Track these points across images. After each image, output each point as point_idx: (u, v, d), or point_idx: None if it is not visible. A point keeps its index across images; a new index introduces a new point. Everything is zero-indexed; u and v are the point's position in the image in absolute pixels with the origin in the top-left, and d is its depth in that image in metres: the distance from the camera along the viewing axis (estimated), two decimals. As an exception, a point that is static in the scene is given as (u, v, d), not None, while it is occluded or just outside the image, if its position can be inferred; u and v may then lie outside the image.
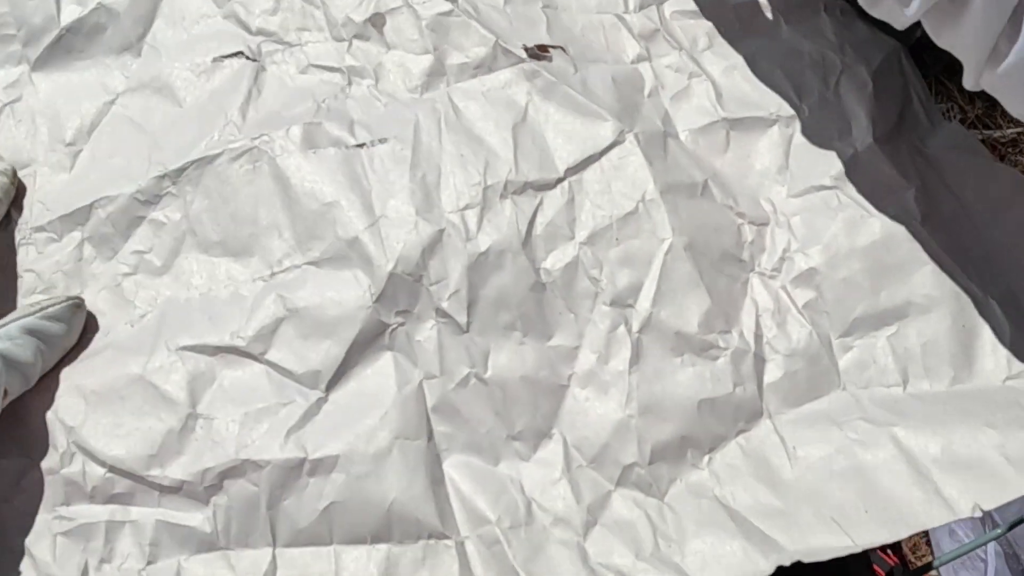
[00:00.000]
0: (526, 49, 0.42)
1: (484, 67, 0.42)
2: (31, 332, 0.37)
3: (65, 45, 0.45)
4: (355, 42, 0.43)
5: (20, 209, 0.42)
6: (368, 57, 0.43)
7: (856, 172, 0.41)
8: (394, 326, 0.37)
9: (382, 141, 0.40)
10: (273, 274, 0.39)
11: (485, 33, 0.42)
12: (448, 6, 0.43)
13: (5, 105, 0.45)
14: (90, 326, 0.40)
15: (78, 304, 0.39)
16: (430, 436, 0.36)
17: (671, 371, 0.37)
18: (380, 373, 0.37)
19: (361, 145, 0.40)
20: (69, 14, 0.45)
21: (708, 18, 0.45)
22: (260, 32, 0.44)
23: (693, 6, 0.46)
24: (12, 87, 0.45)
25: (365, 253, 0.38)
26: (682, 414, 0.36)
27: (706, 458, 0.36)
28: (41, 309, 0.38)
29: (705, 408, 0.36)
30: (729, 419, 0.36)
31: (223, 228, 0.40)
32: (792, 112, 0.43)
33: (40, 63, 0.45)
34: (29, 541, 0.37)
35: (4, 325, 0.37)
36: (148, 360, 0.38)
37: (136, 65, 0.45)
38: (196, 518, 0.36)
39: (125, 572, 0.36)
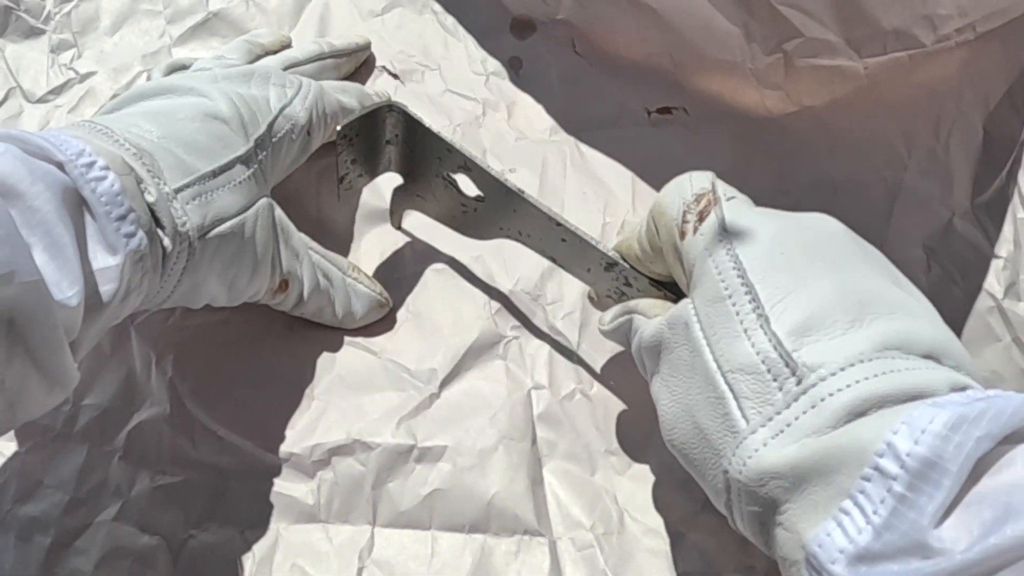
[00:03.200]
0: (648, 111, 0.47)
1: (609, 122, 0.46)
2: (327, 276, 0.39)
3: (210, 28, 0.49)
4: (492, 78, 0.47)
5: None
6: (503, 94, 0.47)
7: (949, 238, 0.43)
8: (509, 338, 0.40)
9: (512, 171, 0.44)
10: (396, 277, 0.42)
11: (613, 91, 0.46)
12: (581, 62, 0.47)
13: (141, 73, 0.48)
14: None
15: (384, 303, 0.41)
16: (534, 440, 0.39)
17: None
18: (492, 379, 0.40)
19: (493, 172, 0.44)
20: (218, 1, 0.49)
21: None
22: (402, 52, 0.48)
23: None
24: (151, 56, 0.48)
25: (488, 269, 0.41)
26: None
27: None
28: (356, 278, 0.41)
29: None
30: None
31: (353, 225, 0.43)
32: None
33: (182, 40, 0.49)
34: (128, 491, 0.39)
35: (323, 255, 0.40)
36: (267, 333, 0.41)
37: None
38: (300, 489, 0.38)
39: (223, 532, 0.38)
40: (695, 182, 0.31)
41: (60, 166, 0.28)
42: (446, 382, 0.40)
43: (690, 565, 0.36)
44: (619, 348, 0.40)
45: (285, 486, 0.38)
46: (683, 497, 0.38)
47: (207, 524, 0.38)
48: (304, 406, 0.40)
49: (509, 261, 0.42)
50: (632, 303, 0.33)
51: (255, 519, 0.38)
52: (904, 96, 0.44)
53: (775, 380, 0.25)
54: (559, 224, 0.35)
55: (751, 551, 0.37)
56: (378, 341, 0.41)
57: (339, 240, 0.43)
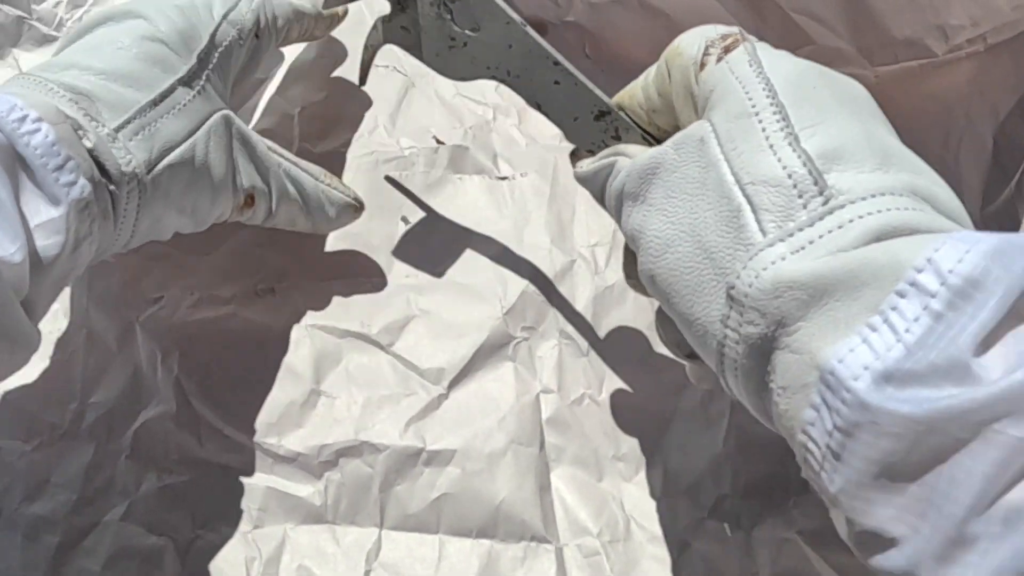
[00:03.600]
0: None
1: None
2: (297, 183, 0.39)
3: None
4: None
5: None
6: (514, 98, 0.47)
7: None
8: (519, 339, 0.40)
9: (523, 175, 0.44)
10: (407, 276, 0.42)
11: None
12: (592, 65, 0.47)
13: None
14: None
15: (357, 207, 0.41)
16: (542, 445, 0.38)
17: (771, 418, 0.40)
18: (501, 380, 0.40)
19: (504, 178, 0.44)
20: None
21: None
22: (414, 55, 0.48)
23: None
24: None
25: (500, 271, 0.41)
26: (775, 456, 0.39)
27: (792, 500, 0.39)
28: (328, 183, 0.40)
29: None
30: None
31: (365, 223, 0.43)
32: None
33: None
34: (136, 490, 0.39)
35: (294, 163, 0.39)
36: (275, 330, 0.41)
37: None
38: (307, 490, 0.38)
39: (230, 532, 0.38)
40: (720, 28, 0.29)
41: None
42: (455, 382, 0.40)
43: (695, 573, 0.36)
44: (629, 353, 0.40)
45: (292, 486, 0.38)
46: (689, 504, 0.38)
47: (214, 524, 0.38)
48: (311, 403, 0.40)
49: (522, 263, 0.42)
50: (621, 146, 0.32)
51: (262, 519, 0.38)
52: (914, 105, 0.44)
53: (800, 197, 0.23)
54: (556, 63, 0.34)
55: (756, 558, 0.37)
56: (386, 336, 0.41)
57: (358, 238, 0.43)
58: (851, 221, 0.22)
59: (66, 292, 0.42)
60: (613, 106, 0.33)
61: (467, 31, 0.35)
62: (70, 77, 0.31)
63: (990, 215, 0.44)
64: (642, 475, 0.38)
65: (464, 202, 0.43)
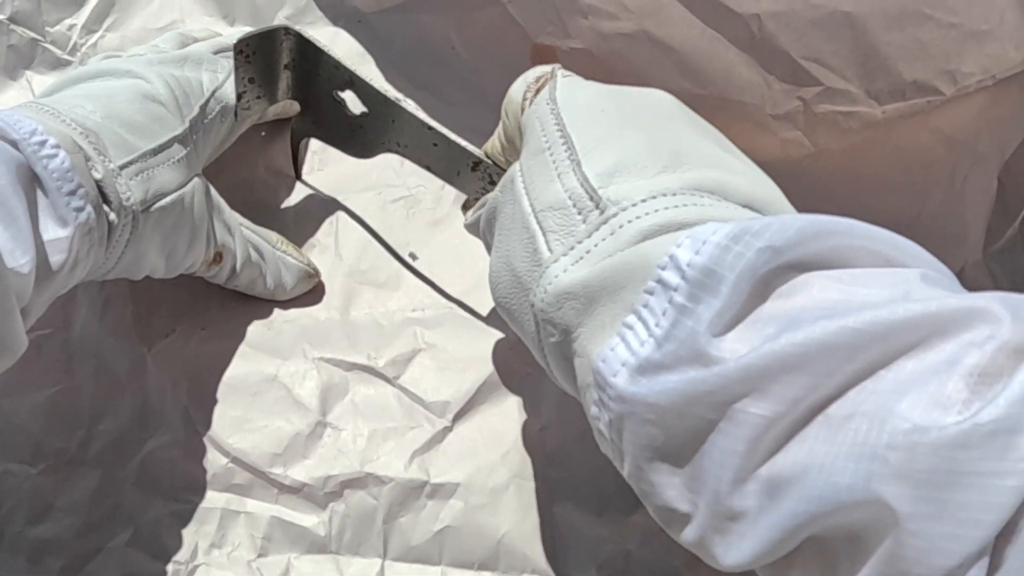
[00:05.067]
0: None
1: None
2: (258, 250, 0.41)
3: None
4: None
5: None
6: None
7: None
8: (523, 374, 0.41)
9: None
10: (414, 310, 0.42)
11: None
12: None
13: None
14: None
15: (311, 275, 0.43)
16: (544, 479, 0.39)
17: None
18: (505, 415, 0.40)
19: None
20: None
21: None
22: (423, 87, 0.48)
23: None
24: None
25: (506, 304, 0.42)
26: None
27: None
28: (284, 250, 0.42)
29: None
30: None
31: (372, 259, 0.43)
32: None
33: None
34: (141, 516, 0.39)
35: (253, 230, 0.42)
36: (284, 363, 0.41)
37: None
38: (311, 520, 0.38)
39: (234, 560, 0.38)
40: (538, 70, 0.32)
41: (14, 144, 0.30)
42: (460, 416, 0.40)
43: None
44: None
45: (297, 516, 0.39)
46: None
47: (218, 552, 0.38)
48: (317, 434, 0.40)
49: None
50: (489, 195, 0.33)
51: (267, 548, 0.38)
52: (921, 142, 0.45)
53: (579, 213, 0.25)
54: (431, 128, 0.37)
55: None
56: (393, 369, 0.41)
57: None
58: (621, 226, 0.23)
59: (77, 320, 0.42)
60: (483, 156, 0.36)
61: (359, 115, 0.40)
62: (79, 115, 0.33)
63: (994, 254, 0.44)
64: (642, 510, 0.39)
65: (471, 238, 0.43)
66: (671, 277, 0.21)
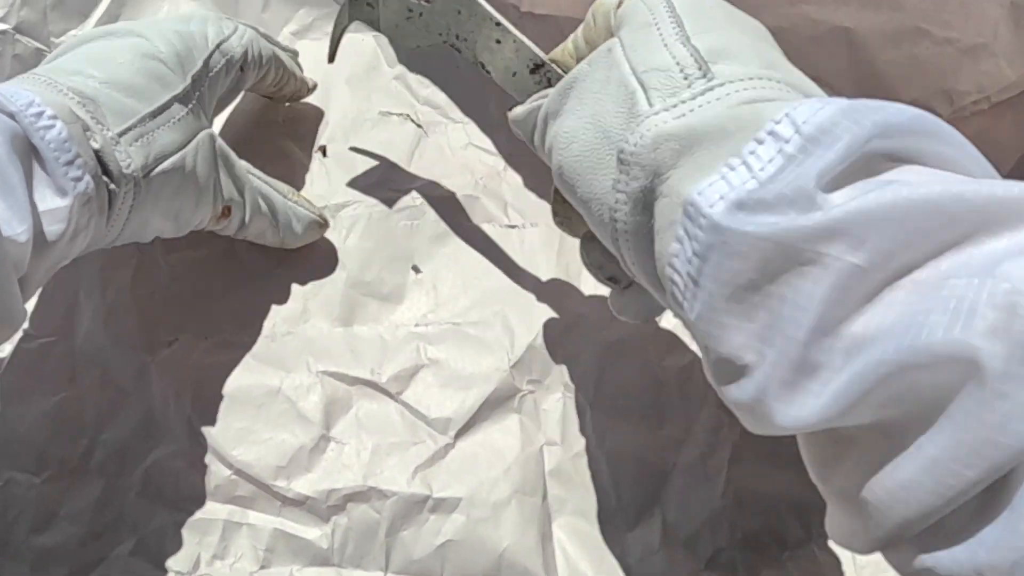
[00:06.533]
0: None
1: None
2: (267, 199, 0.42)
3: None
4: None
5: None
6: (526, 149, 0.48)
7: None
8: (524, 392, 0.41)
9: (534, 225, 0.45)
10: (417, 325, 0.43)
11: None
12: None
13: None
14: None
15: (321, 224, 0.44)
16: (545, 496, 0.40)
17: (767, 471, 0.41)
18: (506, 432, 0.41)
19: (513, 226, 0.45)
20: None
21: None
22: (427, 103, 0.49)
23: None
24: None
25: (508, 323, 0.43)
26: (772, 510, 0.40)
27: (787, 553, 0.40)
28: (296, 201, 0.43)
29: (793, 510, 0.41)
30: (815, 523, 0.41)
31: (376, 271, 0.44)
32: None
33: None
34: (144, 526, 0.40)
35: (265, 180, 0.42)
36: (287, 376, 0.42)
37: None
38: (314, 533, 0.39)
39: (237, 571, 0.39)
40: None
41: (11, 116, 0.30)
42: (462, 432, 0.41)
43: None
44: (631, 408, 0.41)
45: (300, 529, 0.39)
46: (687, 556, 0.39)
47: (221, 563, 0.39)
48: (320, 448, 0.40)
49: (530, 316, 0.43)
50: (547, 90, 0.34)
51: (269, 560, 0.39)
52: None
53: (685, 79, 0.25)
54: (498, 24, 0.37)
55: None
56: (396, 385, 0.42)
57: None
58: (728, 95, 0.24)
59: (81, 328, 0.43)
60: (547, 59, 0.36)
61: (422, 2, 0.39)
62: (77, 82, 0.34)
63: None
64: (641, 526, 0.40)
65: (474, 252, 0.44)
66: (785, 130, 0.21)
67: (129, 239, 0.37)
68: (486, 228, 0.45)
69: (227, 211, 0.40)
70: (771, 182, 0.21)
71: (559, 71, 0.36)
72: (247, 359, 0.42)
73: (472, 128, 0.48)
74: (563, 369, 0.42)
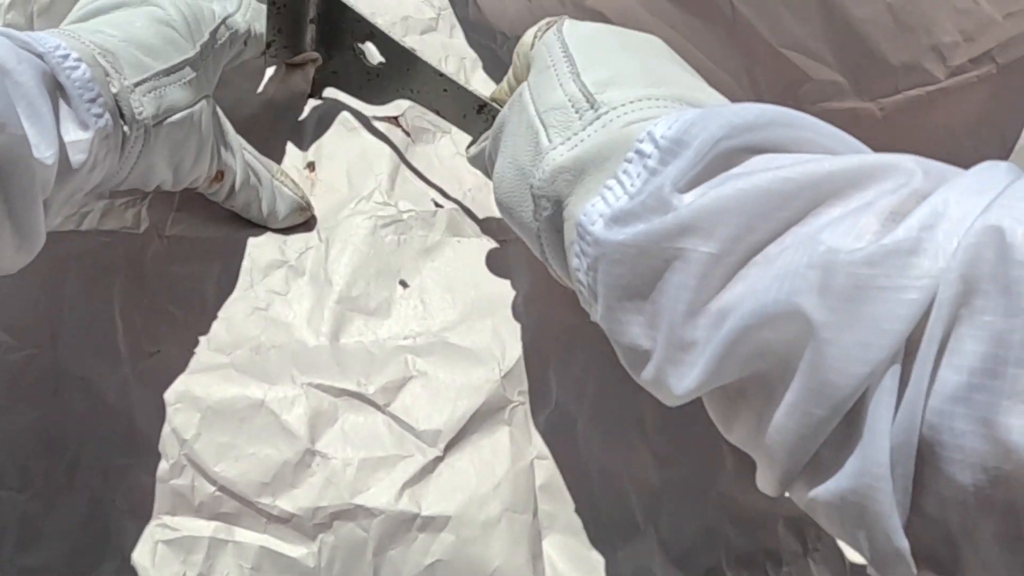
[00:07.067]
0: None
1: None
2: (256, 174, 0.44)
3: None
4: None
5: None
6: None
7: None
8: (515, 404, 0.40)
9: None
10: (405, 338, 0.42)
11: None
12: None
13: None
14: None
15: (304, 208, 0.45)
16: (535, 512, 0.39)
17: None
18: (496, 445, 0.40)
19: (503, 241, 0.44)
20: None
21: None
22: (415, 111, 0.48)
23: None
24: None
25: (499, 334, 0.41)
26: (765, 528, 0.39)
27: (780, 571, 0.39)
28: (281, 179, 0.45)
29: (788, 526, 0.40)
30: (811, 536, 0.40)
31: (363, 287, 0.43)
32: None
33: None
34: (129, 544, 0.39)
35: (255, 156, 0.45)
36: (271, 388, 0.41)
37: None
38: (300, 551, 0.38)
39: (223, 590, 0.38)
40: (548, 18, 0.35)
41: (40, 57, 0.33)
42: (451, 445, 0.40)
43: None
44: (623, 422, 0.40)
45: (286, 547, 0.38)
46: (680, 573, 0.38)
47: (207, 582, 0.38)
48: (305, 462, 0.39)
49: (520, 327, 0.42)
50: (495, 122, 0.36)
51: (255, 579, 0.38)
52: (922, 136, 0.44)
53: (576, 113, 0.29)
54: (441, 75, 0.42)
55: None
56: (383, 396, 0.41)
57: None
58: (612, 121, 0.27)
59: (63, 338, 0.42)
60: (487, 100, 0.41)
61: (377, 66, 0.45)
62: (98, 38, 0.37)
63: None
64: (632, 544, 0.39)
65: (463, 265, 0.43)
66: (647, 147, 0.25)
67: (134, 183, 0.39)
68: (474, 240, 0.44)
69: (220, 175, 0.42)
70: (638, 195, 0.25)
71: (499, 108, 0.39)
72: (229, 371, 0.41)
73: (460, 137, 0.47)
74: (555, 381, 0.41)
